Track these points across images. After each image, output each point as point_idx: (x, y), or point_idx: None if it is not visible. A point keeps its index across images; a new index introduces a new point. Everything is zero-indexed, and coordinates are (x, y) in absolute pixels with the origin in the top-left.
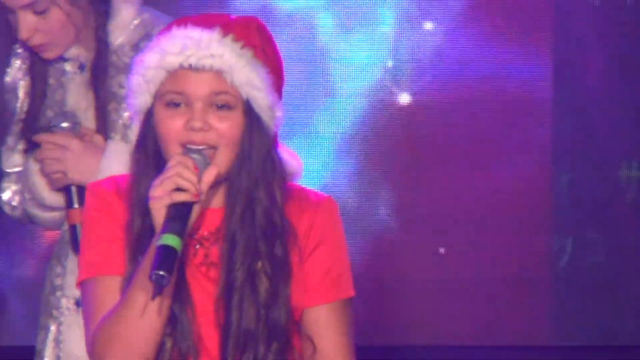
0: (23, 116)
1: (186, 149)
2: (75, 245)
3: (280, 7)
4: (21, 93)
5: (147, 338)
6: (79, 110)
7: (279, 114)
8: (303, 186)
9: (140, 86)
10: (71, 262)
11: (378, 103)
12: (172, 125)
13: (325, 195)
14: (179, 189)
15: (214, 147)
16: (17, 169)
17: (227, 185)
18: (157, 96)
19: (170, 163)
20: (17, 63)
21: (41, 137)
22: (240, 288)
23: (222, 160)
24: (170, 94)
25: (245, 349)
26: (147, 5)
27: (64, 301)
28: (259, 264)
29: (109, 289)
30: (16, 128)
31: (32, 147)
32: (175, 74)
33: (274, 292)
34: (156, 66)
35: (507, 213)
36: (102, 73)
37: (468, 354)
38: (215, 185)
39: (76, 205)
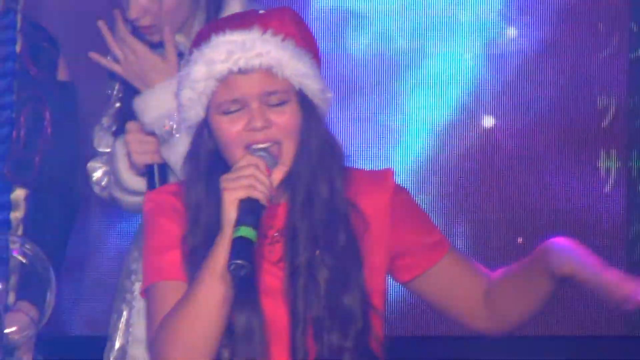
0: (120, 97)
1: (251, 149)
2: None
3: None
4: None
5: (207, 337)
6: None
7: (329, 95)
8: (354, 167)
9: (191, 100)
10: None
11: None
12: (233, 130)
13: (382, 170)
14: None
15: (277, 142)
16: (109, 150)
17: (287, 178)
18: (212, 107)
19: (242, 162)
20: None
21: (130, 125)
22: (302, 278)
23: (288, 154)
24: (226, 104)
25: (318, 337)
26: None
27: (137, 285)
28: (318, 253)
29: (173, 293)
30: (111, 109)
31: (121, 131)
32: (226, 81)
33: (338, 279)
34: (205, 77)
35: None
36: None
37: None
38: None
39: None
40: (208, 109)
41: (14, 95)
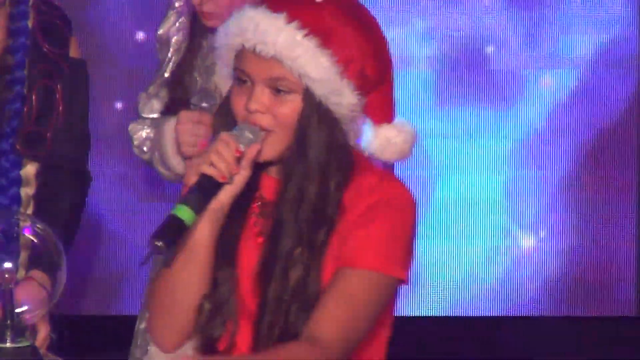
0: (171, 70)
1: (242, 125)
2: None
3: None
4: (172, 48)
5: (187, 293)
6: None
7: (352, 100)
8: (383, 174)
9: (221, 60)
10: None
11: None
12: (237, 103)
13: (398, 187)
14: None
15: (269, 130)
16: (153, 115)
17: (282, 169)
18: (234, 69)
19: (216, 138)
20: (172, 18)
21: (183, 115)
22: (275, 269)
23: (272, 143)
24: (238, 71)
25: (277, 319)
26: None
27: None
28: (298, 250)
29: None
30: (159, 79)
31: (173, 107)
32: (241, 52)
33: (306, 277)
34: (223, 44)
35: None
36: None
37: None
38: (269, 165)
39: None
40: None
41: (26, 70)
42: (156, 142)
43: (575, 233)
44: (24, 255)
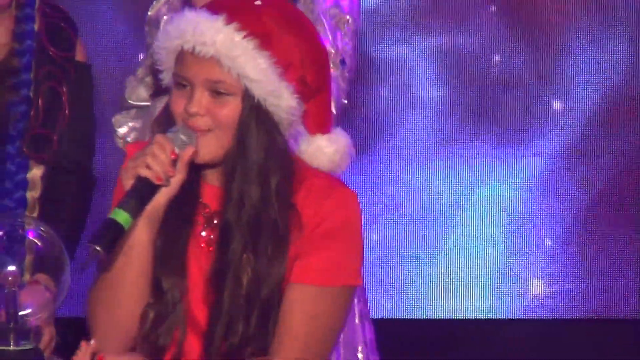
0: None
1: (177, 128)
2: None
3: None
4: (162, 28)
5: (128, 295)
6: None
7: (291, 103)
8: (330, 177)
9: (162, 65)
10: None
11: None
12: (176, 106)
13: (347, 190)
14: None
15: (209, 131)
16: (139, 103)
17: (223, 171)
18: (173, 75)
19: (152, 141)
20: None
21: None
22: (227, 275)
23: (210, 144)
24: (177, 76)
25: (230, 328)
26: None
27: None
28: (246, 257)
29: None
30: (148, 61)
31: (160, 92)
32: (180, 55)
33: (259, 280)
34: (162, 48)
35: None
36: None
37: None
38: (211, 167)
39: None
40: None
41: (32, 73)
42: (145, 123)
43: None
44: (28, 259)
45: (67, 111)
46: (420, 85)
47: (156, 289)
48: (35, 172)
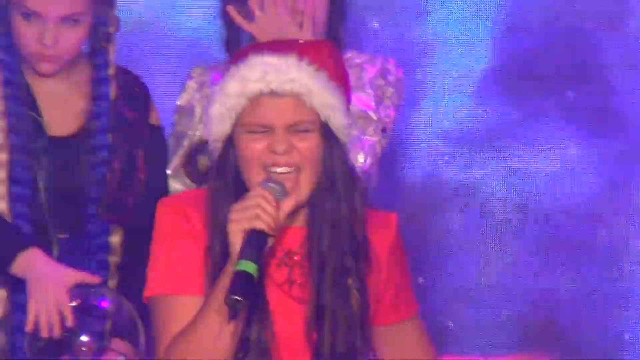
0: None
1: (266, 180)
2: None
3: None
4: (197, 117)
5: (216, 346)
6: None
7: (354, 132)
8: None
9: (222, 115)
10: None
11: None
12: (255, 148)
13: (391, 212)
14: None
15: (297, 169)
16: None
17: (310, 206)
18: (239, 124)
19: (252, 193)
20: (192, 86)
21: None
22: (332, 308)
23: (305, 184)
24: (253, 125)
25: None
26: None
27: None
28: (349, 280)
29: (186, 308)
30: (181, 150)
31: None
32: (256, 101)
33: (365, 306)
34: (238, 94)
35: None
36: None
37: None
38: (297, 208)
39: None
40: (234, 126)
41: (109, 135)
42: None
43: None
44: (107, 325)
45: (142, 174)
46: None
47: (243, 341)
48: (115, 239)
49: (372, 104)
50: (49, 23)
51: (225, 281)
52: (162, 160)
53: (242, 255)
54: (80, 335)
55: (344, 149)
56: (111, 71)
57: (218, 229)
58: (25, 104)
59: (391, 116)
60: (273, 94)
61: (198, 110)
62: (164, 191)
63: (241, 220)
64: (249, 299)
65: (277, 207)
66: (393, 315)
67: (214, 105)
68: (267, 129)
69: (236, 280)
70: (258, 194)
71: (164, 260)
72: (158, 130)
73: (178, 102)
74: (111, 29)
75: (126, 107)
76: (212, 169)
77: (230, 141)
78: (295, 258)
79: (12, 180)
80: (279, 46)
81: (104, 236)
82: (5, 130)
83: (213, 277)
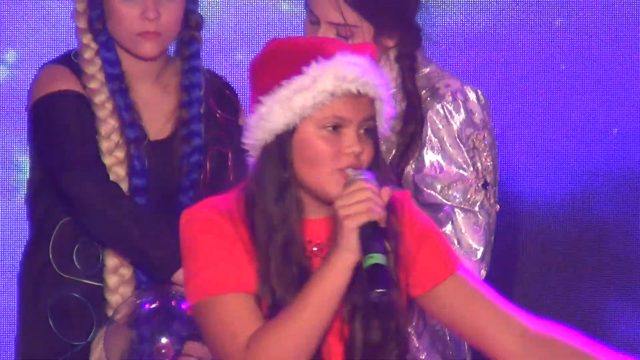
0: None
1: (352, 176)
2: None
3: None
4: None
5: (309, 353)
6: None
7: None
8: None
9: (304, 108)
10: None
11: None
12: (330, 148)
13: (400, 192)
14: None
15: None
16: None
17: None
18: (310, 120)
19: (354, 187)
20: None
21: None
22: (364, 302)
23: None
24: (329, 120)
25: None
26: None
27: None
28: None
29: (245, 305)
30: None
31: None
32: (340, 99)
33: (390, 305)
34: (329, 91)
35: None
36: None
37: None
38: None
39: None
40: (304, 121)
41: (202, 139)
42: None
43: None
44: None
45: (232, 176)
46: None
47: None
48: None
49: (468, 162)
50: None
51: (332, 275)
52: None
53: (369, 249)
54: (160, 338)
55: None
56: (201, 63)
57: (267, 232)
58: (131, 99)
59: (489, 160)
60: (358, 94)
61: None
62: None
63: (358, 215)
64: (390, 289)
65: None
66: (438, 275)
67: (295, 98)
68: (342, 126)
69: (374, 275)
70: (363, 187)
71: (208, 264)
72: None
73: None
74: (199, 18)
75: (217, 109)
76: (264, 163)
77: (290, 136)
78: (329, 250)
79: (132, 174)
80: (354, 47)
81: None
82: (119, 128)
83: (266, 277)
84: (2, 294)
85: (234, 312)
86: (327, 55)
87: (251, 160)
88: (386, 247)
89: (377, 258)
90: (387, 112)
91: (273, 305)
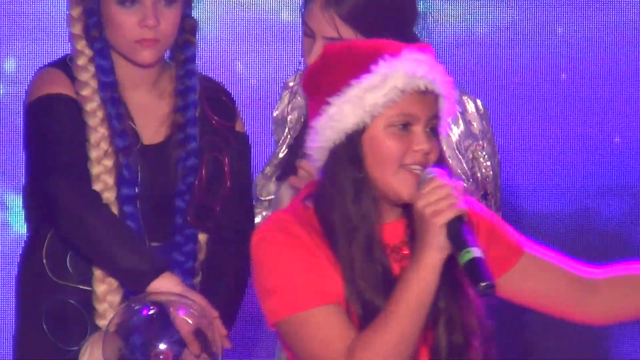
0: (287, 147)
1: (423, 172)
2: None
3: None
4: (288, 127)
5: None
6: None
7: None
8: None
9: (375, 106)
10: None
11: None
12: (399, 147)
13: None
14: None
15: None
16: (270, 197)
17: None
18: (380, 118)
19: (433, 185)
20: (286, 99)
21: (301, 164)
22: (446, 305)
23: None
24: (399, 117)
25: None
26: None
27: None
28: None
29: (336, 315)
30: (275, 160)
31: (285, 175)
32: (409, 96)
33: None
34: (401, 88)
35: None
36: None
37: None
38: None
39: None
40: (375, 119)
41: (197, 144)
42: (274, 208)
43: None
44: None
45: (228, 180)
46: None
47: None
48: (201, 238)
49: (467, 172)
50: (147, 3)
51: (423, 276)
52: (247, 168)
53: (463, 244)
54: (159, 344)
55: None
56: (196, 66)
57: (348, 234)
58: (123, 107)
59: (490, 170)
60: (426, 91)
61: (289, 119)
62: (248, 197)
63: (445, 212)
64: (494, 281)
65: None
66: (509, 262)
67: (368, 94)
68: (409, 124)
69: (475, 269)
70: (442, 183)
71: (291, 279)
72: (243, 138)
73: (275, 113)
74: (194, 22)
75: (212, 115)
76: (335, 164)
77: (361, 135)
78: (404, 252)
79: (120, 183)
80: (418, 45)
81: (191, 244)
82: (108, 136)
83: (355, 274)
84: (2, 294)
85: (326, 324)
86: (395, 53)
87: (317, 164)
88: (478, 240)
89: (474, 252)
90: (449, 110)
91: (363, 307)
